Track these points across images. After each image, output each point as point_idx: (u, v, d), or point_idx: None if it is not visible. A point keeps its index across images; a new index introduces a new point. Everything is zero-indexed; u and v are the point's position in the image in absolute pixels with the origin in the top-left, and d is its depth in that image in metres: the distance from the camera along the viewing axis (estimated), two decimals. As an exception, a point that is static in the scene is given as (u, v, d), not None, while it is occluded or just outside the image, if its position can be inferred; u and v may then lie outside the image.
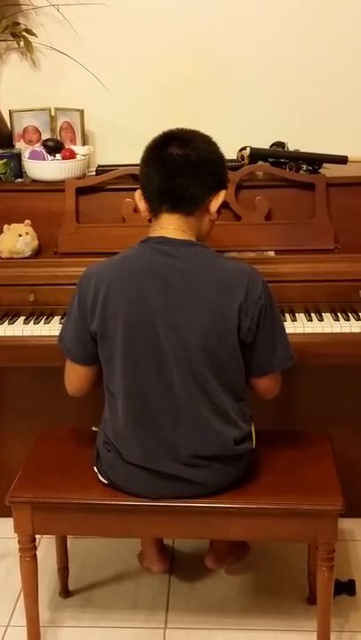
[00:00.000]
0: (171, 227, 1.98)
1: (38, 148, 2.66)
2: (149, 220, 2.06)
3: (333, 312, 2.37)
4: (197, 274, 1.95)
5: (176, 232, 1.98)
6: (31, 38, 2.77)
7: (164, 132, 2.01)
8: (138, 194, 2.04)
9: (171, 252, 1.95)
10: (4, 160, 2.64)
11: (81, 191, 2.54)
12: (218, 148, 2.02)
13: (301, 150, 2.65)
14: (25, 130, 2.80)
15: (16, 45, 2.80)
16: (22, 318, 2.39)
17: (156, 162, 1.96)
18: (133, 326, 1.94)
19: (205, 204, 2.00)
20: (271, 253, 2.47)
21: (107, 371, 2.02)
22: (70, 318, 2.04)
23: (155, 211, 2.00)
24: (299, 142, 2.68)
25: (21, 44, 2.78)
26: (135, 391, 1.98)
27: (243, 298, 1.93)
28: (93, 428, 2.20)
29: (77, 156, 2.64)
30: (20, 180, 2.68)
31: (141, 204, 2.04)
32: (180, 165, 1.94)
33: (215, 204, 2.02)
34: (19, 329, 2.34)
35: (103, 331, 1.97)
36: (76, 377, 2.10)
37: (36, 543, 2.17)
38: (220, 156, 2.03)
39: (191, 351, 1.93)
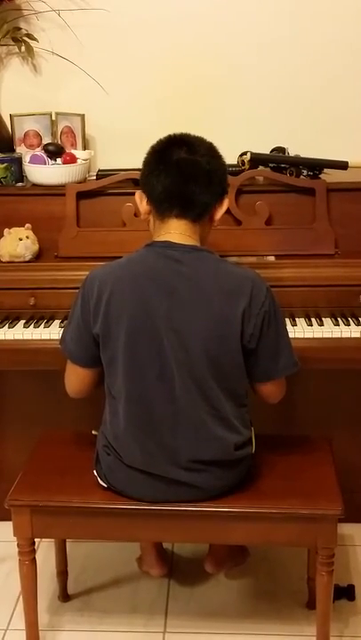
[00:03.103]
0: (177, 232, 1.98)
1: (39, 152, 2.67)
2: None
3: (334, 317, 2.37)
4: (202, 279, 1.95)
5: (182, 237, 1.98)
6: (32, 43, 2.78)
7: (170, 136, 2.01)
8: (138, 195, 2.04)
9: (177, 257, 1.95)
10: (5, 164, 2.65)
11: (82, 195, 2.54)
12: (221, 155, 2.03)
13: (302, 155, 2.66)
14: (26, 134, 2.80)
15: (17, 50, 2.81)
16: (22, 322, 2.39)
17: (168, 166, 1.95)
18: (136, 330, 1.94)
19: (211, 211, 2.01)
20: (271, 258, 2.47)
21: (109, 373, 2.02)
22: (73, 320, 2.04)
23: (162, 215, 1.99)
24: (299, 147, 2.68)
25: (22, 48, 2.78)
26: (136, 394, 1.98)
27: (246, 304, 1.93)
28: (93, 432, 2.20)
29: (78, 160, 2.64)
30: (20, 184, 2.68)
31: (143, 206, 2.04)
32: (195, 172, 1.94)
33: (220, 211, 2.03)
34: (19, 332, 2.34)
35: (106, 333, 1.97)
36: (75, 379, 2.10)
37: (36, 547, 2.17)
38: (224, 164, 2.04)
39: (193, 356, 1.93)
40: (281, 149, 2.71)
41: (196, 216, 1.98)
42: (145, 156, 2.02)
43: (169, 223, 1.99)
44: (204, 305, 1.93)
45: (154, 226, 2.04)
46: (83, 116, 2.77)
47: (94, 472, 2.12)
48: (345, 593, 2.40)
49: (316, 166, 2.62)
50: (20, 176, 2.69)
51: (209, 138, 2.03)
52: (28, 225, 2.48)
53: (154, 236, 2.03)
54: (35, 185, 2.64)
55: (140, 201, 2.04)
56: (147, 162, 2.01)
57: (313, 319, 2.36)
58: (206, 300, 1.93)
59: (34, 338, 2.33)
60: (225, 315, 1.93)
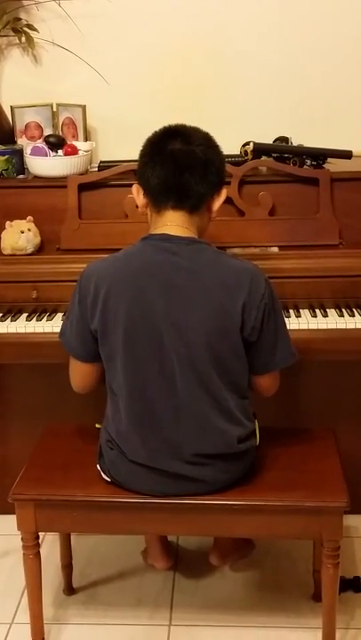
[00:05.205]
0: (174, 224, 1.96)
1: (40, 144, 2.65)
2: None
3: (338, 308, 2.36)
4: (201, 272, 1.93)
5: (179, 229, 1.96)
6: (33, 34, 2.76)
7: (165, 127, 1.99)
8: (136, 188, 2.03)
9: (174, 250, 1.94)
10: (6, 156, 2.64)
11: (83, 187, 2.53)
12: (218, 145, 2.01)
13: (305, 145, 2.64)
14: (27, 126, 2.79)
15: (17, 41, 2.79)
16: (25, 315, 2.38)
17: (163, 157, 1.93)
18: (135, 325, 1.92)
19: (208, 202, 1.99)
20: (275, 249, 2.46)
21: (108, 369, 2.00)
22: (71, 316, 2.03)
23: (158, 207, 1.98)
24: (303, 137, 2.66)
25: (23, 39, 2.77)
26: (137, 390, 1.96)
27: (246, 296, 1.91)
28: (97, 425, 2.19)
29: (79, 151, 2.63)
30: (22, 176, 2.67)
31: (140, 199, 2.02)
32: (191, 162, 1.92)
33: (218, 202, 2.01)
34: (21, 325, 2.33)
35: (104, 329, 1.95)
36: (78, 373, 2.09)
37: (40, 540, 2.17)
38: (221, 153, 2.02)
39: (195, 350, 1.92)
40: (284, 139, 2.69)
41: (192, 207, 1.96)
42: (141, 148, 2.00)
43: (165, 215, 1.97)
44: (203, 298, 1.92)
45: (151, 219, 2.02)
46: (84, 107, 2.76)
47: (97, 466, 2.11)
48: (351, 585, 2.40)
49: (319, 156, 2.60)
50: (22, 168, 2.67)
51: (212, 128, 2.02)
52: (29, 217, 2.47)
53: (151, 228, 2.01)
54: (36, 177, 2.63)
55: (138, 194, 2.02)
56: (142, 154, 1.99)
57: (317, 310, 2.35)
58: (206, 293, 1.92)
59: (36, 331, 2.32)
60: (225, 307, 1.91)
